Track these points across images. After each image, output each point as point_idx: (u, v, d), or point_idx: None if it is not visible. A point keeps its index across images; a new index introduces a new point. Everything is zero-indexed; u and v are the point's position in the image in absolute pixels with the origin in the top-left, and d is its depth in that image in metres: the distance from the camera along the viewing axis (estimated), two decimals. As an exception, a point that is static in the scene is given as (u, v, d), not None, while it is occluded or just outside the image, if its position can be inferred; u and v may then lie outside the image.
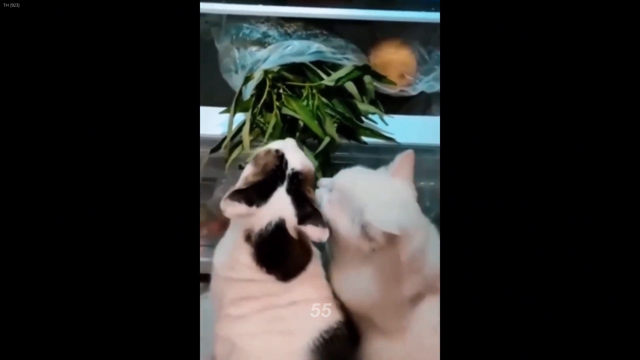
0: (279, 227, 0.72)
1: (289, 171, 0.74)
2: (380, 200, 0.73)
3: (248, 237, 0.73)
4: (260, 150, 0.77)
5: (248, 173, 0.75)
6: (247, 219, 0.73)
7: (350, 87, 0.90)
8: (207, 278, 1.03)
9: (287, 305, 0.75)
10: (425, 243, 0.72)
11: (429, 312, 0.70)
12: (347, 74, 0.89)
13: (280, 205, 0.72)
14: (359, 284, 0.74)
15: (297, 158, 0.75)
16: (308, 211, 0.73)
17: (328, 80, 0.89)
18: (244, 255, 0.74)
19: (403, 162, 0.77)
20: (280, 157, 0.75)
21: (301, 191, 0.74)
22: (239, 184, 0.74)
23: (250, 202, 0.72)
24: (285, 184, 0.73)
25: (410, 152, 0.78)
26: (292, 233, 0.73)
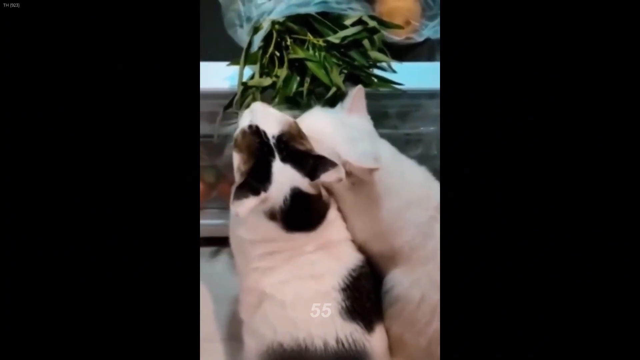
0: (296, 195, 0.72)
1: (271, 140, 0.72)
2: (347, 137, 0.75)
3: (272, 216, 0.73)
4: (236, 134, 0.75)
5: (238, 163, 0.73)
6: (263, 204, 0.72)
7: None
8: (218, 241, 1.03)
9: (314, 251, 0.76)
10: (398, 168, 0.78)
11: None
12: (353, 34, 0.89)
13: (285, 177, 0.71)
14: (365, 216, 0.78)
15: (271, 122, 0.73)
16: (312, 163, 0.72)
17: (334, 38, 0.88)
18: (272, 230, 0.74)
19: (356, 98, 0.79)
20: (256, 132, 0.72)
21: (294, 150, 0.72)
22: (237, 179, 0.73)
23: (256, 192, 0.70)
24: (277, 154, 0.72)
25: (360, 87, 0.80)
26: (311, 191, 0.73)
